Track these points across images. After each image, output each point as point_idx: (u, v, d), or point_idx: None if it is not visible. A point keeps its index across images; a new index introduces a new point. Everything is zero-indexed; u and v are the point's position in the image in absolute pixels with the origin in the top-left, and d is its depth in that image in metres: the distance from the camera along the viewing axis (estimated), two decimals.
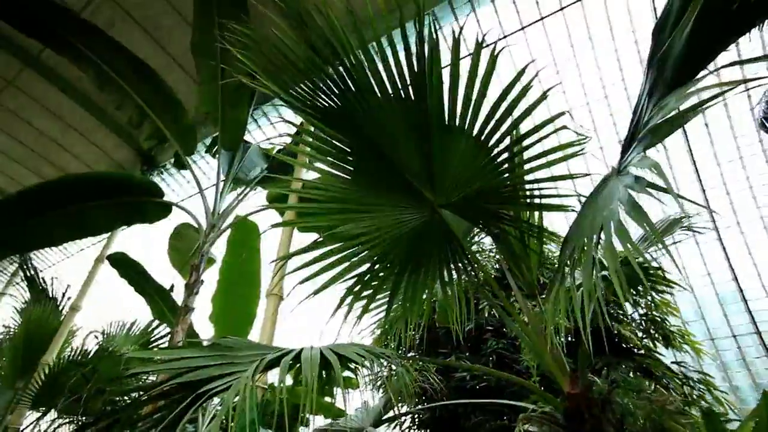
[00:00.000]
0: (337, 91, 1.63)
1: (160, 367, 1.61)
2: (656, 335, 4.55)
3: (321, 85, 1.61)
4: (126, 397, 3.93)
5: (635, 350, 4.45)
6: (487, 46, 1.65)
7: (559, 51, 4.92)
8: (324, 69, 1.57)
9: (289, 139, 5.45)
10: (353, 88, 1.63)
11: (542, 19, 4.60)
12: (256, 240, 4.96)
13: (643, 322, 4.74)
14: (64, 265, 9.17)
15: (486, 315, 4.43)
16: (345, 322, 2.29)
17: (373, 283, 1.98)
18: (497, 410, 3.55)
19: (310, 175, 5.40)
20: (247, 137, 6.29)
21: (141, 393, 1.75)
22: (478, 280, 1.92)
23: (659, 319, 4.61)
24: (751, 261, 5.13)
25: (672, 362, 4.36)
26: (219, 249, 5.45)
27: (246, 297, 4.91)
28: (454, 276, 2.05)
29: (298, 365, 1.56)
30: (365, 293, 1.96)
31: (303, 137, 2.11)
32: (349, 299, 2.11)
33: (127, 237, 7.51)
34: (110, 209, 4.67)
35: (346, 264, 1.94)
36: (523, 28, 4.75)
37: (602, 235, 1.31)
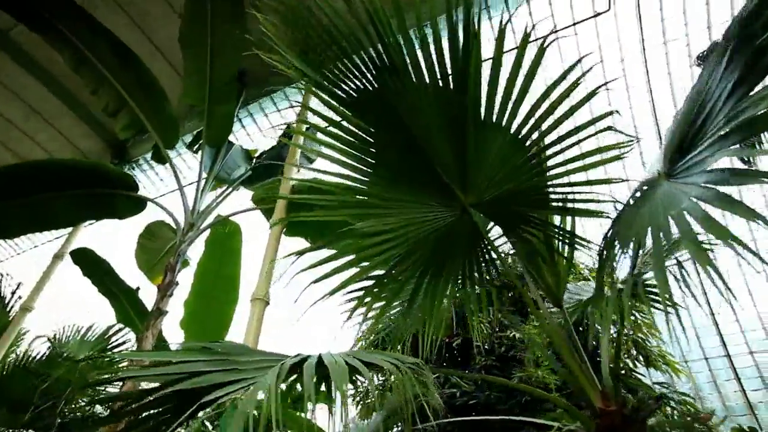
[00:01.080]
0: (374, 72, 1.51)
1: (154, 372, 1.39)
2: (637, 355, 4.60)
3: (359, 63, 1.48)
4: (89, 407, 3.53)
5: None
6: (534, 41, 1.58)
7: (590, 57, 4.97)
8: (365, 47, 1.45)
9: (280, 136, 5.24)
10: (392, 68, 1.51)
11: (575, 24, 4.66)
12: (238, 242, 4.69)
13: (623, 341, 4.78)
14: (13, 262, 8.40)
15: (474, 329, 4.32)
16: (360, 328, 2.13)
17: (392, 286, 1.83)
18: (509, 427, 3.42)
19: (303, 176, 5.20)
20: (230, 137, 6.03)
21: (126, 402, 1.51)
22: (509, 287, 1.82)
23: (640, 339, 4.67)
24: (723, 286, 5.30)
25: (655, 383, 4.40)
26: (193, 252, 5.13)
27: (222, 302, 4.61)
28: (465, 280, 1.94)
29: (299, 373, 1.39)
30: (383, 296, 1.81)
31: (306, 127, 1.96)
32: (357, 303, 1.95)
33: (84, 234, 6.98)
34: (80, 201, 4.28)
35: (364, 264, 1.79)
36: (555, 31, 4.79)
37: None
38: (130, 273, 5.81)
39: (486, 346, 4.58)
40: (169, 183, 7.45)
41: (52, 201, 4.33)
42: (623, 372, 4.50)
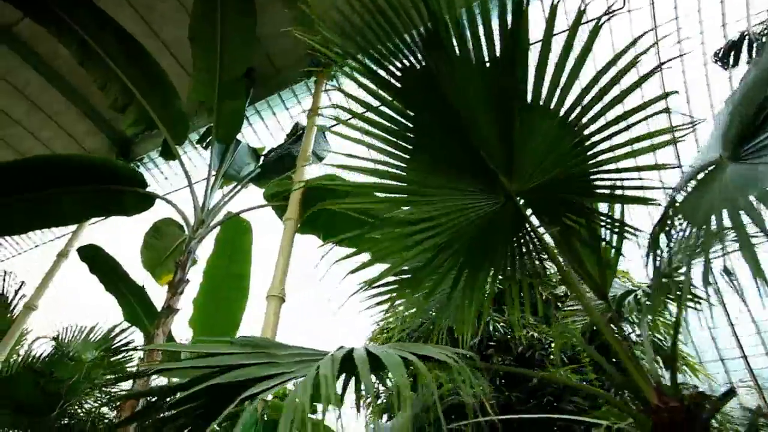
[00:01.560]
0: (423, 50, 1.44)
1: (191, 364, 1.30)
2: (655, 356, 4.48)
3: (408, 40, 1.41)
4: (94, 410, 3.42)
5: None
6: (587, 22, 1.51)
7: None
8: (416, 24, 1.38)
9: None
10: (440, 46, 1.44)
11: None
12: (248, 239, 4.60)
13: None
14: (14, 262, 8.25)
15: (490, 329, 4.25)
16: (380, 324, 2.04)
17: (434, 277, 1.75)
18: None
19: (317, 171, 5.12)
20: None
21: (151, 399, 1.41)
22: (554, 280, 1.74)
23: (658, 340, 4.58)
24: (737, 285, 5.23)
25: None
26: (201, 251, 5.03)
27: (231, 300, 4.50)
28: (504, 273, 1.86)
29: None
30: (423, 287, 1.73)
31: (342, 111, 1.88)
32: (396, 294, 1.87)
33: (86, 233, 6.84)
34: (87, 196, 4.19)
35: (403, 254, 1.71)
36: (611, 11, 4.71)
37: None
38: (131, 274, 5.71)
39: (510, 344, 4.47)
40: (173, 181, 7.35)
41: (58, 197, 4.24)
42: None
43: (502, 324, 4.27)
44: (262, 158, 6.08)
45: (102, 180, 4.36)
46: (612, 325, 1.82)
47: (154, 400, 1.38)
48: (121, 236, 7.55)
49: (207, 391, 1.30)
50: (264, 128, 6.71)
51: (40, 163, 4.37)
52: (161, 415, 1.47)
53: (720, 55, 4.41)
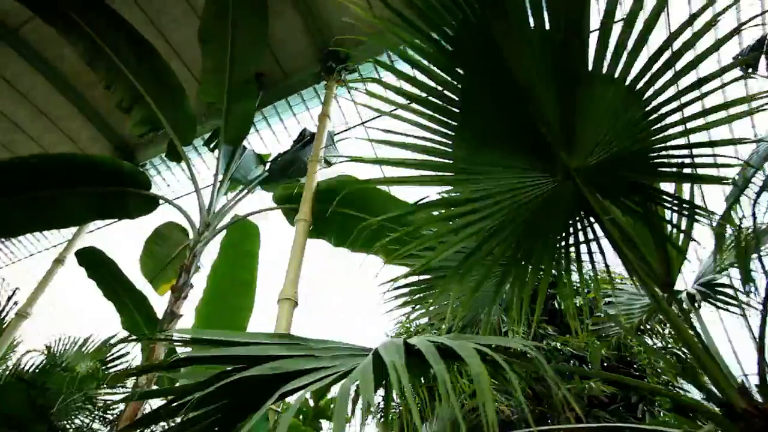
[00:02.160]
0: (479, 7, 1.30)
1: (233, 352, 1.11)
2: (680, 368, 4.29)
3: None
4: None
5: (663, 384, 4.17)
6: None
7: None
8: None
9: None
10: (497, 5, 1.30)
11: None
12: (255, 244, 4.40)
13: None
14: (6, 271, 7.98)
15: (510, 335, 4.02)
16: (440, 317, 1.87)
17: (473, 274, 1.57)
18: None
19: (328, 173, 4.96)
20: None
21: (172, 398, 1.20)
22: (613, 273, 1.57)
23: (681, 353, 4.38)
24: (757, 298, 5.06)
25: (702, 398, 4.08)
26: (204, 259, 4.83)
27: (236, 308, 4.27)
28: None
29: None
30: (472, 278, 1.55)
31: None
32: (441, 287, 1.69)
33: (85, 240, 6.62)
34: (90, 198, 4.00)
35: (449, 239, 1.54)
36: None
37: None
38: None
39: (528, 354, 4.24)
40: (176, 188, 7.19)
41: (59, 198, 4.05)
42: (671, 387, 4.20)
43: (522, 334, 4.06)
44: (268, 164, 5.95)
45: (106, 181, 4.18)
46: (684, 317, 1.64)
47: (156, 408, 1.17)
48: (120, 243, 7.34)
49: (227, 392, 1.10)
50: (270, 134, 6.58)
51: (41, 162, 4.21)
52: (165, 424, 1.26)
53: (739, 58, 4.36)
